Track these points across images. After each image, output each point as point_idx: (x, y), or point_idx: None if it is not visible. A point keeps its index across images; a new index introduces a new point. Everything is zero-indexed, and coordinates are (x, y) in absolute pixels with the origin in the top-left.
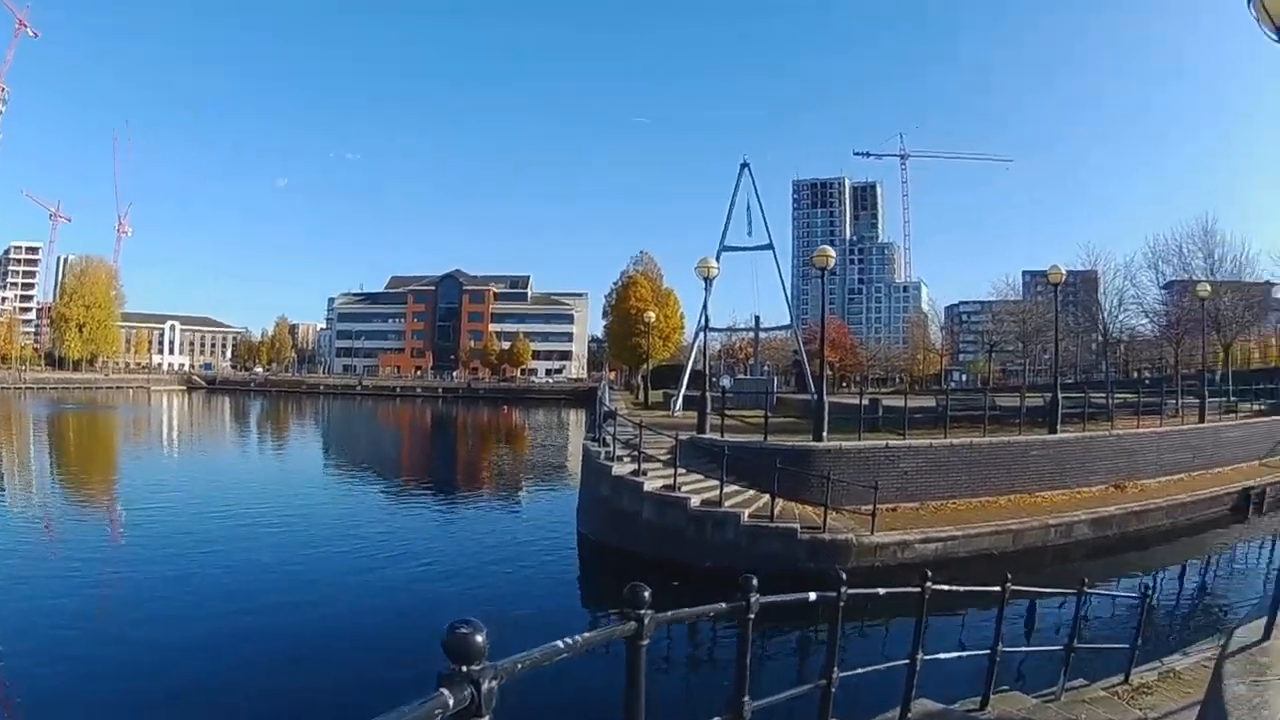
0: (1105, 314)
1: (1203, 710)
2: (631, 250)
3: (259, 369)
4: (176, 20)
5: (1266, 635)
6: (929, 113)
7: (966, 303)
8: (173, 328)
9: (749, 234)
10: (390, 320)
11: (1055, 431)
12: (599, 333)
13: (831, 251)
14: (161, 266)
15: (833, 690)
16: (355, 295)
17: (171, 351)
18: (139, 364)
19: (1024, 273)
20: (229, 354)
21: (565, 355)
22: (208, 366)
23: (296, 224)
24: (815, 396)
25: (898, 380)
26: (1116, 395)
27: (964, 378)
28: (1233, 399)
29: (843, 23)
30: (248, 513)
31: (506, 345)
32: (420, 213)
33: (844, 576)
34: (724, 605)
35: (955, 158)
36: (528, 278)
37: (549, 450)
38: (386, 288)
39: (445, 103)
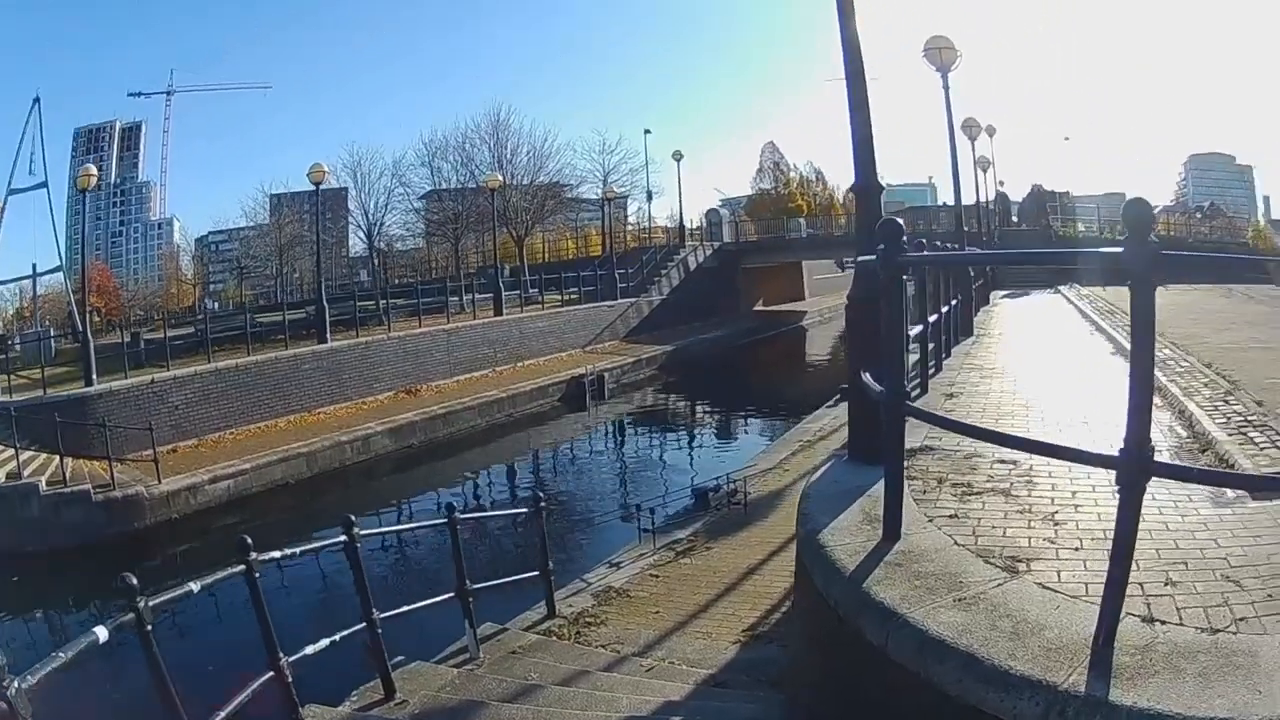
0: (369, 217)
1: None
2: None
3: None
4: None
5: (893, 535)
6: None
7: (215, 232)
8: None
9: (30, 172)
10: None
11: (326, 341)
12: None
13: (94, 170)
14: None
15: None
16: None
17: None
18: None
19: (270, 196)
20: None
21: None
22: None
23: None
24: (80, 337)
25: (157, 317)
26: (393, 300)
27: (216, 305)
28: (533, 290)
29: None
30: None
31: None
32: None
33: (134, 582)
34: None
35: (216, 89)
36: None
37: None
38: None
39: None
